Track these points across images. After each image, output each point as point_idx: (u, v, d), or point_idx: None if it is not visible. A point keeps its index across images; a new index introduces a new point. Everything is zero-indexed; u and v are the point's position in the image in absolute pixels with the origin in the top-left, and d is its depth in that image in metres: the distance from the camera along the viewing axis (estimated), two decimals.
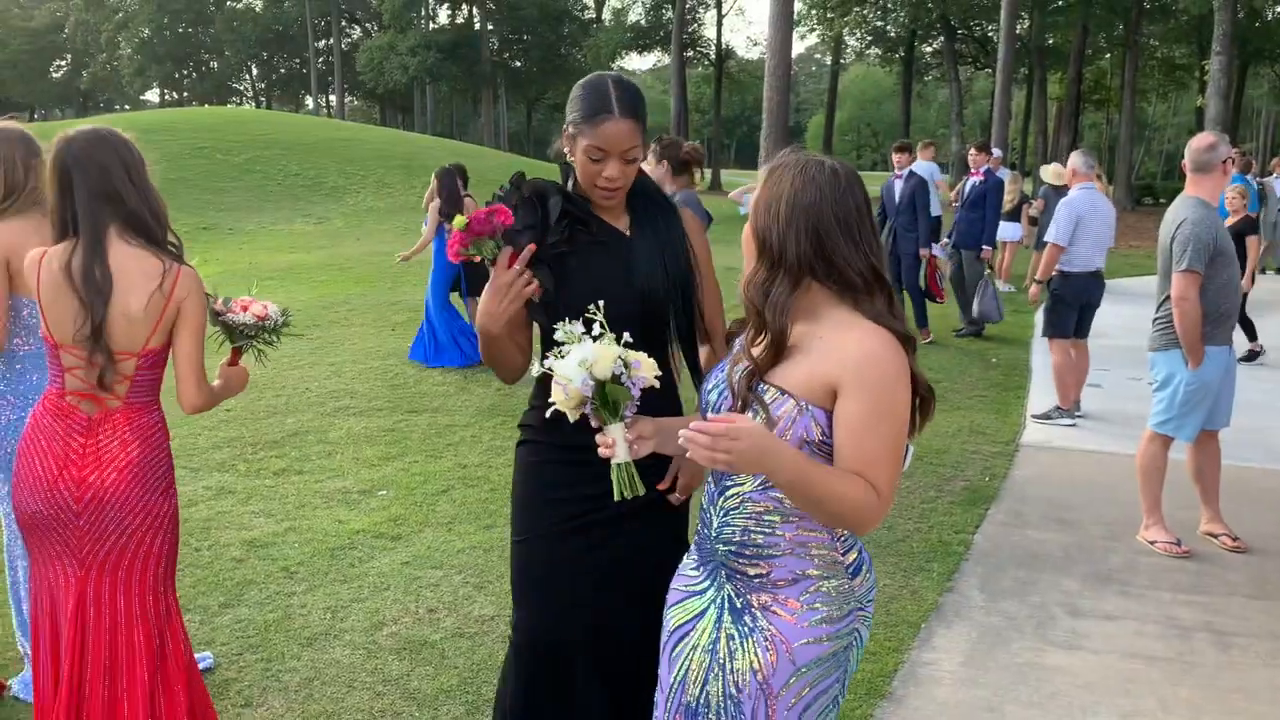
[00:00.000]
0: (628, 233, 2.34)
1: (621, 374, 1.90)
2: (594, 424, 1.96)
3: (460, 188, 8.47)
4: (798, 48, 76.32)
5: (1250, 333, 9.14)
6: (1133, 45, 36.06)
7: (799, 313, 1.89)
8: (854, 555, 1.97)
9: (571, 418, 1.96)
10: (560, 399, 1.93)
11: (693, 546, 2.10)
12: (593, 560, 2.33)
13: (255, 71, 67.81)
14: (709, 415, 1.84)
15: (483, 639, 3.81)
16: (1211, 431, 4.87)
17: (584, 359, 1.89)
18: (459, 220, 2.13)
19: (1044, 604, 4.24)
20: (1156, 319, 4.80)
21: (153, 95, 70.26)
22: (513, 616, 2.46)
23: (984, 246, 10.21)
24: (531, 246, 2.19)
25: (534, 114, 62.16)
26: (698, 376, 2.37)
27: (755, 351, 1.91)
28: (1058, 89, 42.78)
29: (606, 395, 1.91)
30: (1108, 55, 42.68)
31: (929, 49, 44.37)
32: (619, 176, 2.23)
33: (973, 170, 10.55)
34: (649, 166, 5.33)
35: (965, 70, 45.19)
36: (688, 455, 1.73)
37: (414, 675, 3.55)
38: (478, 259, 2.19)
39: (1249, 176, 14.42)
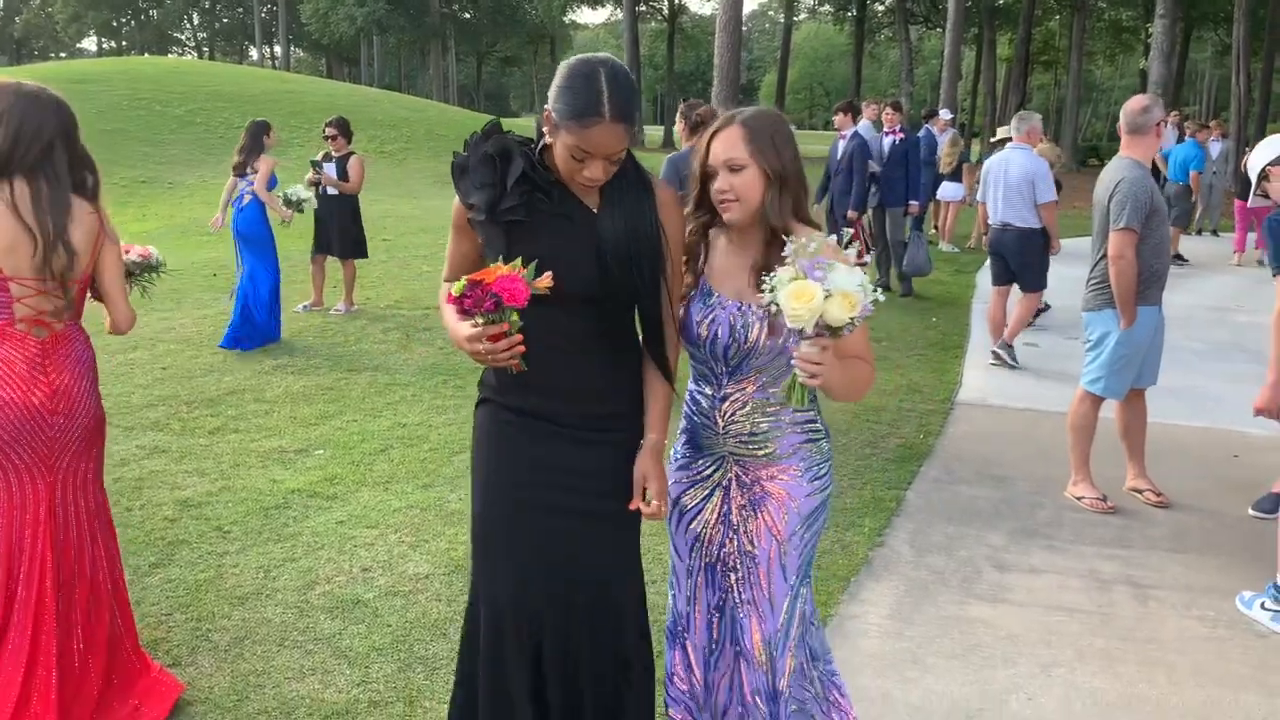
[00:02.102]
0: (595, 209, 2.24)
1: (858, 314, 2.05)
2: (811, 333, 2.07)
3: (263, 142, 8.05)
4: (751, 4, 75.90)
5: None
6: (1081, 6, 36.31)
7: None
8: (819, 420, 2.46)
9: (805, 327, 2.04)
10: (839, 311, 2.00)
11: (683, 448, 2.53)
12: (555, 521, 2.32)
13: (197, 20, 66.09)
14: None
15: (416, 597, 3.81)
16: (1139, 390, 4.98)
17: (863, 283, 2.01)
18: (458, 285, 2.03)
19: (971, 558, 4.34)
20: (1090, 279, 4.88)
21: (89, 44, 68.25)
22: (473, 580, 2.42)
23: (910, 202, 10.34)
24: (515, 342, 2.08)
25: (484, 66, 61.32)
26: (663, 363, 2.35)
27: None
28: (1007, 50, 43.06)
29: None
30: (1056, 16, 42.98)
31: (881, 7, 44.37)
32: (602, 176, 2.14)
33: (888, 129, 10.58)
34: (677, 128, 6.22)
35: (917, 30, 45.25)
36: (803, 375, 2.10)
37: (346, 634, 3.56)
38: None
39: (1189, 137, 14.68)
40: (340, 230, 8.69)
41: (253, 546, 4.26)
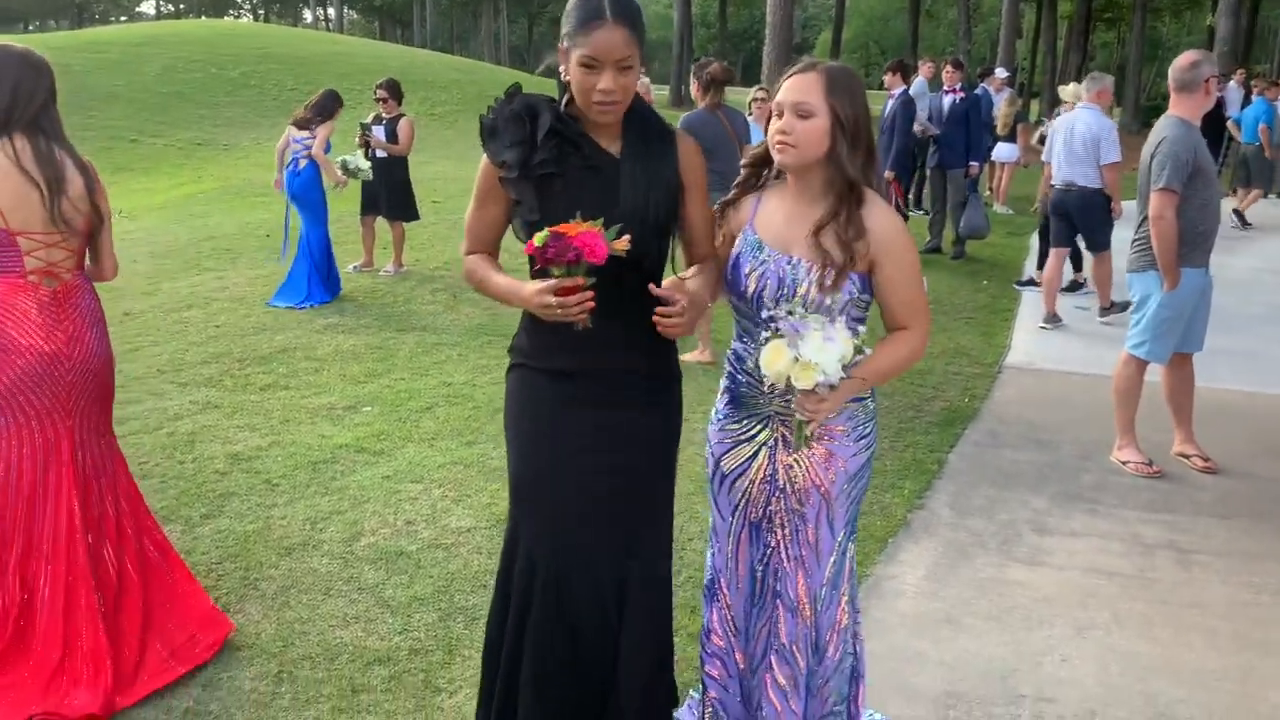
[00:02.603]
0: (619, 156, 2.28)
1: (853, 361, 2.19)
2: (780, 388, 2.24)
3: (333, 111, 8.11)
4: None
5: (1076, 263, 8.73)
6: None
7: None
8: None
9: (778, 384, 2.20)
10: (801, 379, 2.15)
11: (726, 407, 2.52)
12: (589, 481, 2.35)
13: None
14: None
15: (458, 550, 3.89)
16: (1185, 355, 4.89)
17: (842, 355, 2.15)
18: (540, 236, 2.08)
19: (1012, 521, 4.32)
20: (1135, 240, 4.79)
21: (148, 7, 69.02)
22: (512, 539, 2.46)
23: (970, 164, 10.12)
24: (587, 298, 2.12)
25: (535, 27, 61.10)
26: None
27: (843, 234, 2.27)
28: (1068, 7, 41.86)
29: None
30: None
31: None
32: (615, 89, 2.16)
33: (948, 87, 10.37)
34: (692, 89, 6.20)
35: None
36: (805, 423, 2.31)
37: (389, 584, 3.64)
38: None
39: (1255, 95, 14.21)
40: (389, 192, 8.73)
41: (300, 499, 4.36)
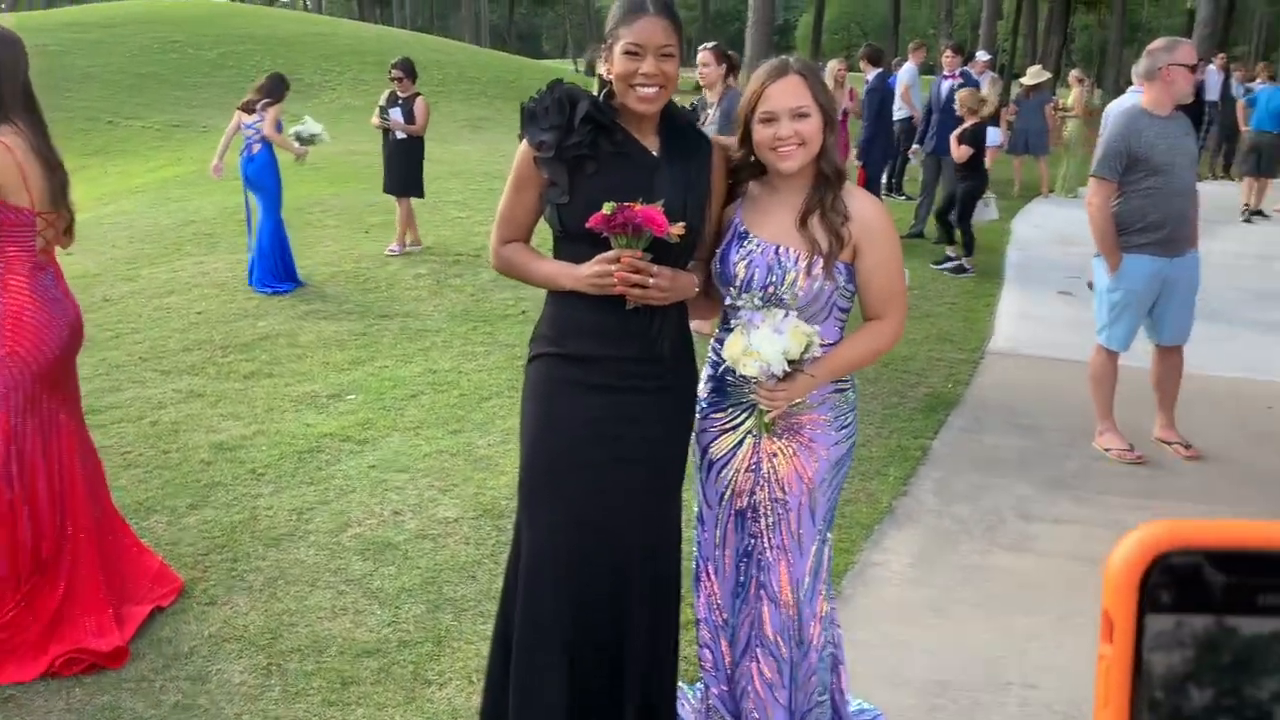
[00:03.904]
0: (655, 153, 2.35)
1: (807, 357, 2.26)
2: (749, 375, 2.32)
3: (281, 95, 8.02)
4: None
5: (968, 245, 8.89)
6: None
7: None
8: None
9: (743, 370, 2.31)
10: (745, 365, 2.27)
11: (711, 395, 2.55)
12: (609, 470, 2.39)
13: None
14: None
15: (445, 541, 3.89)
16: (1170, 346, 4.93)
17: (786, 349, 2.23)
18: (609, 205, 2.18)
19: (996, 508, 4.35)
20: None
21: None
22: (521, 528, 2.47)
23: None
24: (649, 269, 2.23)
25: (516, 7, 60.67)
26: None
27: (831, 220, 2.34)
28: None
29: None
30: None
31: None
32: (657, 73, 2.25)
33: (946, 72, 10.37)
34: (711, 69, 6.50)
35: None
36: (765, 412, 2.40)
37: (377, 575, 3.64)
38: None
39: (1235, 81, 14.25)
40: (400, 167, 8.78)
41: (286, 489, 4.35)
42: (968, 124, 8.72)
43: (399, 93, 8.81)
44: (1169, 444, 5.01)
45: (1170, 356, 4.96)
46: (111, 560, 3.25)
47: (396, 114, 8.71)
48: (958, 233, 9.08)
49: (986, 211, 9.39)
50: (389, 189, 8.92)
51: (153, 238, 9.68)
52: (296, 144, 8.00)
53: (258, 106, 7.88)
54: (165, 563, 3.55)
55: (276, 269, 7.74)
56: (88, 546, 3.13)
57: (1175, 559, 0.43)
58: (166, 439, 4.86)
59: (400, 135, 8.72)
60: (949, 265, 8.74)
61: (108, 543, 3.26)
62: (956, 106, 9.05)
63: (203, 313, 7.08)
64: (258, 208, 7.98)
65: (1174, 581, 0.43)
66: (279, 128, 7.96)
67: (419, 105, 8.76)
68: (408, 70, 8.82)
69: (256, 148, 7.82)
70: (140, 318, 6.97)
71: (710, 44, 6.86)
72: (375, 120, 8.82)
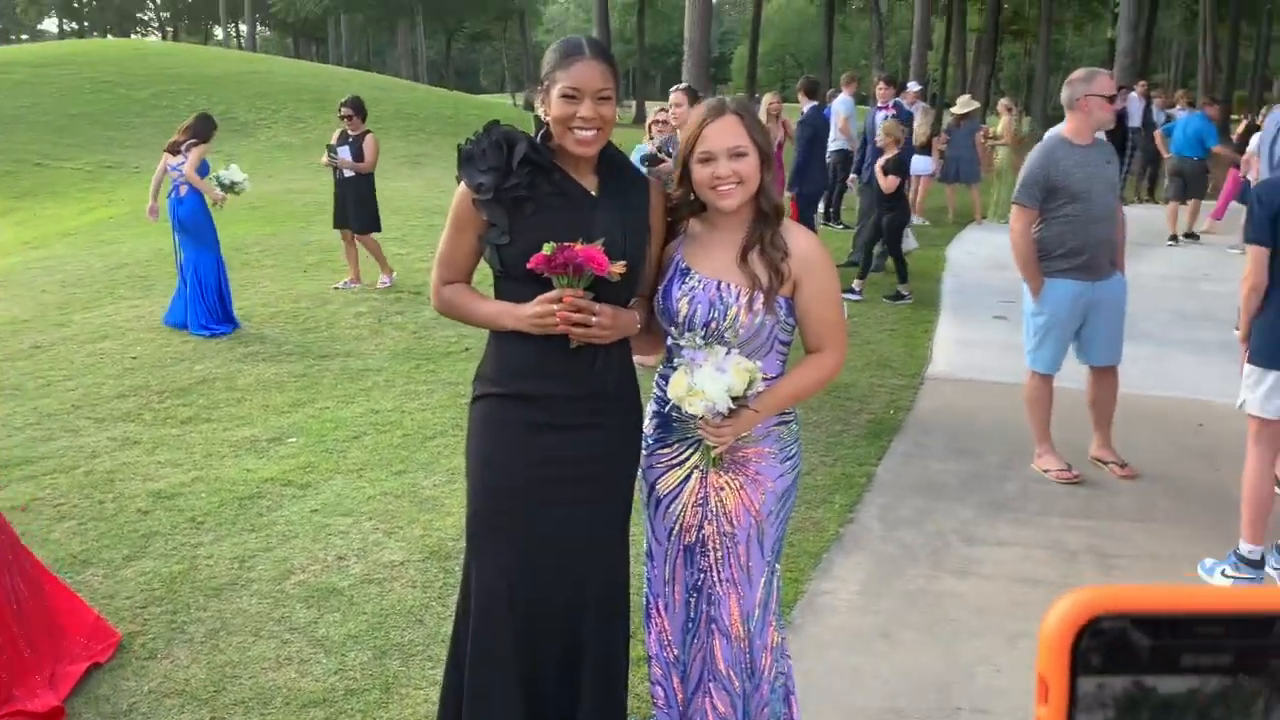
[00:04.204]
0: (594, 193, 2.37)
1: (750, 392, 2.30)
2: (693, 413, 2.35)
3: (208, 136, 7.97)
4: None
5: (901, 273, 9.06)
6: None
7: None
8: None
9: (689, 409, 2.33)
10: (690, 404, 2.30)
11: (657, 431, 2.56)
12: (559, 513, 2.39)
13: (160, 0, 64.98)
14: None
15: (391, 585, 3.84)
16: (1104, 368, 5.05)
17: (730, 386, 2.26)
18: (548, 246, 2.20)
19: (940, 532, 4.41)
20: None
21: (50, 25, 67.05)
22: (470, 569, 2.47)
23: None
24: (591, 307, 2.26)
25: (454, 43, 60.76)
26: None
27: (771, 256, 2.37)
28: (977, 20, 43.00)
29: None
30: None
31: None
32: (594, 116, 2.27)
33: (880, 104, 10.57)
34: (683, 109, 6.55)
35: (886, 0, 45.17)
36: (711, 448, 2.44)
37: (321, 622, 3.58)
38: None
39: (1156, 107, 14.69)
40: (356, 205, 8.84)
41: (227, 537, 4.26)
42: (890, 154, 8.88)
43: (350, 130, 8.91)
44: (1105, 463, 5.11)
45: (1105, 377, 5.08)
46: (40, 620, 3.14)
47: (345, 152, 8.78)
48: (890, 261, 9.24)
49: (906, 241, 9.63)
50: (341, 224, 8.95)
51: (85, 282, 9.50)
52: (217, 189, 7.89)
53: (182, 147, 7.80)
54: (101, 616, 3.45)
55: (215, 310, 7.65)
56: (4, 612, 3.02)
57: (1105, 623, 0.45)
58: (102, 489, 4.74)
59: (348, 173, 8.77)
60: (854, 296, 8.80)
61: (29, 607, 3.12)
62: (879, 137, 9.22)
63: (137, 357, 6.95)
64: (182, 251, 7.87)
65: (1104, 645, 0.45)
66: (205, 168, 7.88)
67: (368, 142, 8.84)
68: (357, 109, 8.91)
69: (184, 189, 7.73)
70: (73, 364, 6.82)
71: (682, 85, 7.10)
72: (324, 159, 8.93)
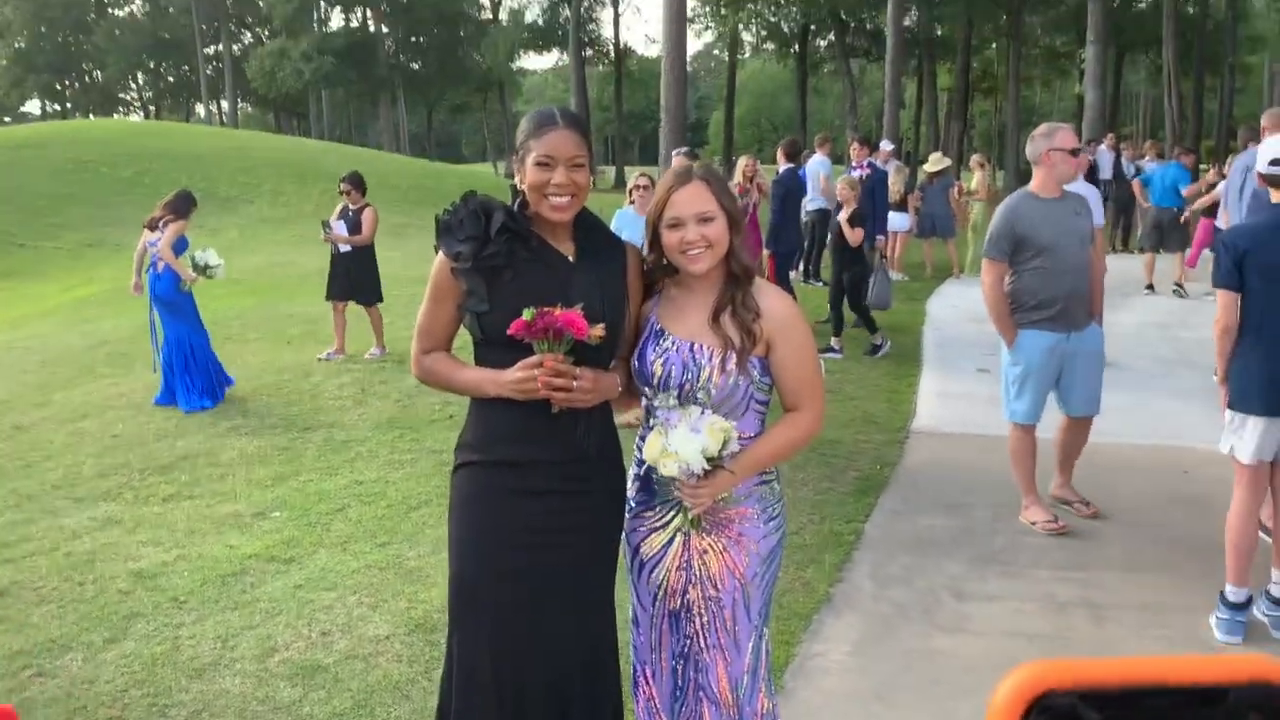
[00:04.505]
0: (571, 258, 2.39)
1: (726, 453, 2.29)
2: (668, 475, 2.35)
3: (186, 212, 7.99)
4: (696, 44, 76.92)
5: (869, 325, 9.11)
6: (1016, 35, 37.18)
7: None
8: None
9: (664, 470, 2.34)
10: (664, 466, 2.30)
11: (639, 494, 2.54)
12: (539, 577, 2.37)
13: (142, 80, 65.62)
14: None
15: (377, 660, 3.78)
16: (1078, 418, 5.09)
17: (704, 447, 2.26)
18: (528, 312, 2.21)
19: (931, 589, 4.38)
20: None
21: (33, 106, 67.54)
22: (452, 643, 2.45)
23: (877, 237, 10.43)
24: (572, 372, 2.26)
25: (434, 115, 61.47)
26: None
27: (743, 317, 2.39)
28: (947, 79, 43.88)
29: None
30: (993, 45, 43.97)
31: (823, 43, 45.14)
32: (568, 183, 2.31)
33: (855, 164, 10.73)
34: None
35: (858, 63, 46.10)
36: (689, 509, 2.41)
37: (306, 701, 3.51)
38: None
39: (1125, 159, 14.94)
40: (359, 278, 8.97)
41: (210, 616, 4.20)
42: (850, 208, 8.96)
43: (350, 205, 9.09)
44: (1068, 503, 5.15)
45: (1079, 425, 5.14)
46: None
47: (340, 227, 8.95)
48: (851, 317, 9.31)
49: (880, 297, 9.78)
50: (333, 296, 9.04)
51: (65, 360, 9.46)
52: (190, 270, 7.88)
53: (160, 223, 7.83)
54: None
55: (209, 384, 7.63)
56: None
57: (1054, 699, 0.45)
58: (82, 570, 4.68)
59: (344, 248, 8.92)
60: (835, 355, 8.81)
61: None
62: (838, 193, 9.28)
63: (119, 435, 6.90)
64: (162, 328, 7.87)
65: None
66: (184, 244, 7.89)
67: (368, 215, 9.02)
68: (356, 183, 9.11)
69: (162, 265, 7.74)
70: (53, 444, 6.77)
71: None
72: (321, 235, 9.10)
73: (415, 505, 5.37)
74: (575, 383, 2.26)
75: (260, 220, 20.83)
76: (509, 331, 2.23)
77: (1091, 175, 14.24)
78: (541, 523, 2.36)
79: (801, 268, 12.36)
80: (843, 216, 8.94)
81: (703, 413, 2.32)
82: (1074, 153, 4.83)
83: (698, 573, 2.48)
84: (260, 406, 7.57)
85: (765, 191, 10.29)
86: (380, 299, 9.18)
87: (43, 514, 5.45)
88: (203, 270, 7.95)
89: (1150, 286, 12.33)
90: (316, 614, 4.17)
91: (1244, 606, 3.92)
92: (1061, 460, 5.23)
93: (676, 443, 2.27)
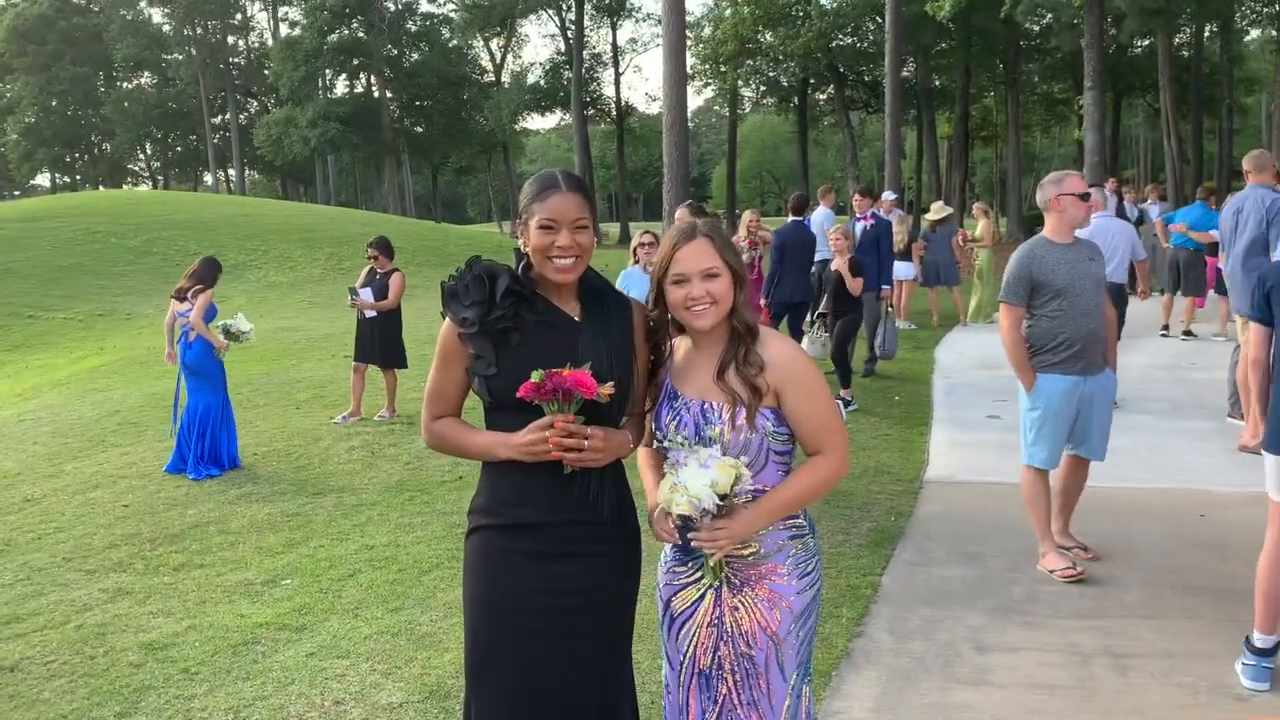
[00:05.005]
0: (577, 318, 2.41)
1: (738, 489, 2.30)
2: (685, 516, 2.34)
3: (212, 280, 8.11)
4: (697, 101, 77.78)
5: (844, 378, 8.92)
6: (1013, 83, 37.58)
7: None
8: (804, 516, 2.53)
9: (676, 509, 2.32)
10: (676, 504, 2.29)
11: (672, 550, 2.53)
12: (556, 638, 2.36)
13: (150, 150, 66.58)
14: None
15: None
16: (1082, 459, 5.09)
17: (714, 482, 2.26)
18: (536, 374, 2.23)
19: (951, 641, 4.31)
20: None
21: (43, 179, 68.46)
22: (470, 709, 2.44)
23: (883, 287, 10.45)
24: (582, 432, 2.27)
25: (439, 177, 62.10)
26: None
27: (747, 371, 2.39)
28: (947, 128, 44.25)
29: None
30: (991, 93, 44.40)
31: (822, 96, 45.63)
32: (572, 245, 2.33)
33: (859, 215, 10.79)
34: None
35: (858, 114, 46.57)
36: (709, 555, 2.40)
37: None
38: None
39: (1127, 202, 14.99)
40: (383, 342, 9.06)
41: (221, 687, 4.15)
42: (844, 257, 8.96)
43: (377, 269, 9.21)
44: (1067, 549, 5.11)
45: (1080, 467, 5.18)
46: None
47: (366, 294, 9.05)
48: (877, 365, 9.30)
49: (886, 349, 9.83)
50: (379, 362, 9.14)
51: (76, 431, 9.47)
52: (221, 337, 7.97)
53: (189, 294, 7.93)
54: None
55: (218, 452, 7.65)
56: None
57: None
58: (93, 643, 4.64)
59: (370, 314, 9.02)
60: (852, 407, 8.77)
61: None
62: (831, 241, 9.28)
63: (129, 505, 6.88)
64: (188, 395, 7.93)
65: None
66: (213, 312, 7.99)
67: (395, 280, 9.12)
68: (383, 248, 9.23)
69: (193, 334, 7.83)
70: (63, 515, 6.75)
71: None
72: (348, 301, 9.21)
73: (427, 569, 5.33)
74: (586, 442, 2.26)
75: (268, 286, 20.99)
76: (518, 394, 2.24)
77: (1121, 212, 13.98)
78: (557, 585, 2.35)
79: (809, 317, 12.36)
80: (839, 264, 8.95)
81: (713, 452, 2.32)
82: (1083, 197, 4.90)
83: (729, 630, 2.46)
84: (270, 472, 7.56)
85: (768, 243, 10.35)
86: (404, 364, 9.24)
87: (53, 586, 5.42)
88: (235, 337, 8.03)
89: (1166, 328, 12.31)
90: (329, 682, 4.12)
91: (1270, 653, 3.85)
92: (1063, 505, 5.22)
93: (686, 478, 2.27)
